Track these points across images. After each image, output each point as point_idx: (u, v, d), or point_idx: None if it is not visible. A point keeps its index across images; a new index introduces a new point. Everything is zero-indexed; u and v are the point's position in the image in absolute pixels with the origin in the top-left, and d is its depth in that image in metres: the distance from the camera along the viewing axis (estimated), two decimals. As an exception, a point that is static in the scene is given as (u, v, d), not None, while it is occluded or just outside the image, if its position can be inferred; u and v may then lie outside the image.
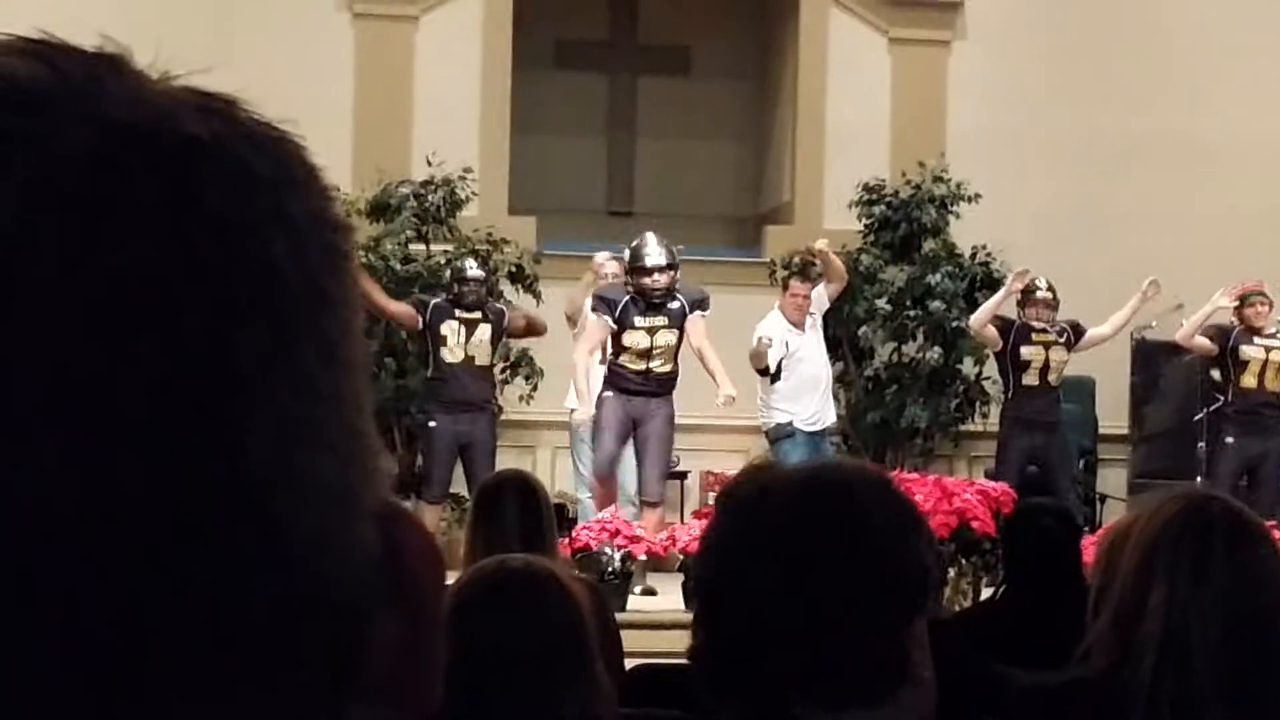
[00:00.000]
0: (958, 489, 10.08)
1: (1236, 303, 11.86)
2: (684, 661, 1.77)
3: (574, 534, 9.68)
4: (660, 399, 10.73)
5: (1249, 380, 11.81)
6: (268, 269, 0.55)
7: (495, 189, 13.90)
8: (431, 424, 11.28)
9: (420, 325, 11.32)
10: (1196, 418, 12.14)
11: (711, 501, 11.60)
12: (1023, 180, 13.96)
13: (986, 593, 8.34)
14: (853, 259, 13.31)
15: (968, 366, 13.40)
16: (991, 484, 10.65)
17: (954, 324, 13.11)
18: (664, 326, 10.66)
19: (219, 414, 0.53)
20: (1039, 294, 11.94)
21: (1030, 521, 5.17)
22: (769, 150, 15.26)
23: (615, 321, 10.62)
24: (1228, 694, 2.38)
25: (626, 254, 10.82)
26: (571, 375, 11.04)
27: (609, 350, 10.81)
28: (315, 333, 0.56)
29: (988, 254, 13.43)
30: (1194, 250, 13.38)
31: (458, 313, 11.27)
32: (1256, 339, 11.83)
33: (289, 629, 0.55)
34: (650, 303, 10.64)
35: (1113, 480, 13.78)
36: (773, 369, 11.58)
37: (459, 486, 11.36)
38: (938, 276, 13.25)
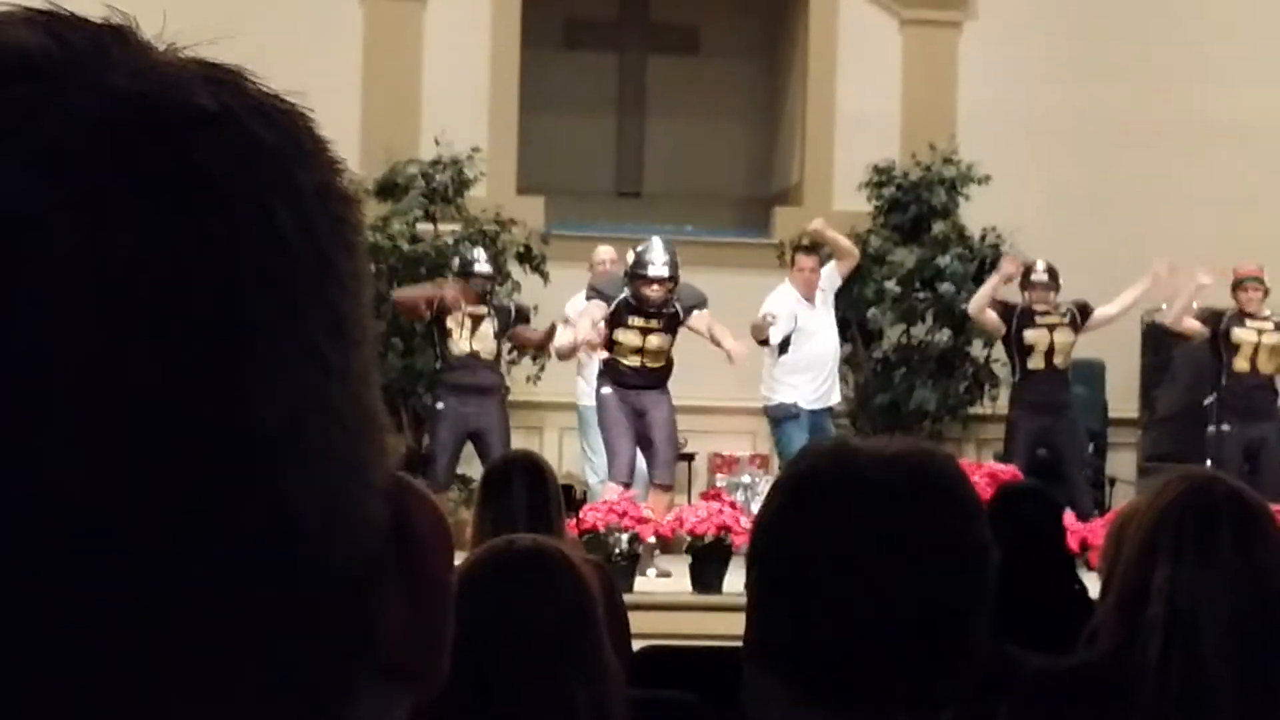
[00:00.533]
0: (967, 472, 10.07)
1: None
2: (692, 644, 1.74)
3: (581, 515, 9.69)
4: (659, 390, 10.77)
5: (1241, 364, 11.80)
6: (276, 241, 0.54)
7: (503, 169, 13.89)
8: (440, 405, 11.27)
9: (429, 316, 11.30)
10: (1207, 401, 12.12)
11: (718, 483, 11.64)
12: (1033, 162, 13.94)
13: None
14: (862, 241, 13.30)
15: (977, 349, 13.39)
16: (1001, 466, 10.66)
17: (963, 306, 13.09)
18: (657, 330, 10.69)
19: (230, 386, 0.53)
20: (1036, 277, 11.92)
21: (1011, 505, 5.17)
22: (778, 131, 15.24)
23: (610, 314, 10.63)
24: (1234, 673, 2.39)
25: (631, 256, 10.78)
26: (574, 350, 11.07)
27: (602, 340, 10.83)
28: (323, 306, 0.56)
29: (998, 236, 13.42)
30: (1205, 231, 13.36)
31: (464, 306, 11.25)
32: (1249, 321, 11.81)
33: (300, 603, 0.54)
34: (643, 309, 10.65)
35: (1123, 463, 13.77)
36: (775, 342, 11.52)
37: (468, 468, 11.36)
38: (947, 258, 13.24)
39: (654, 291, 10.59)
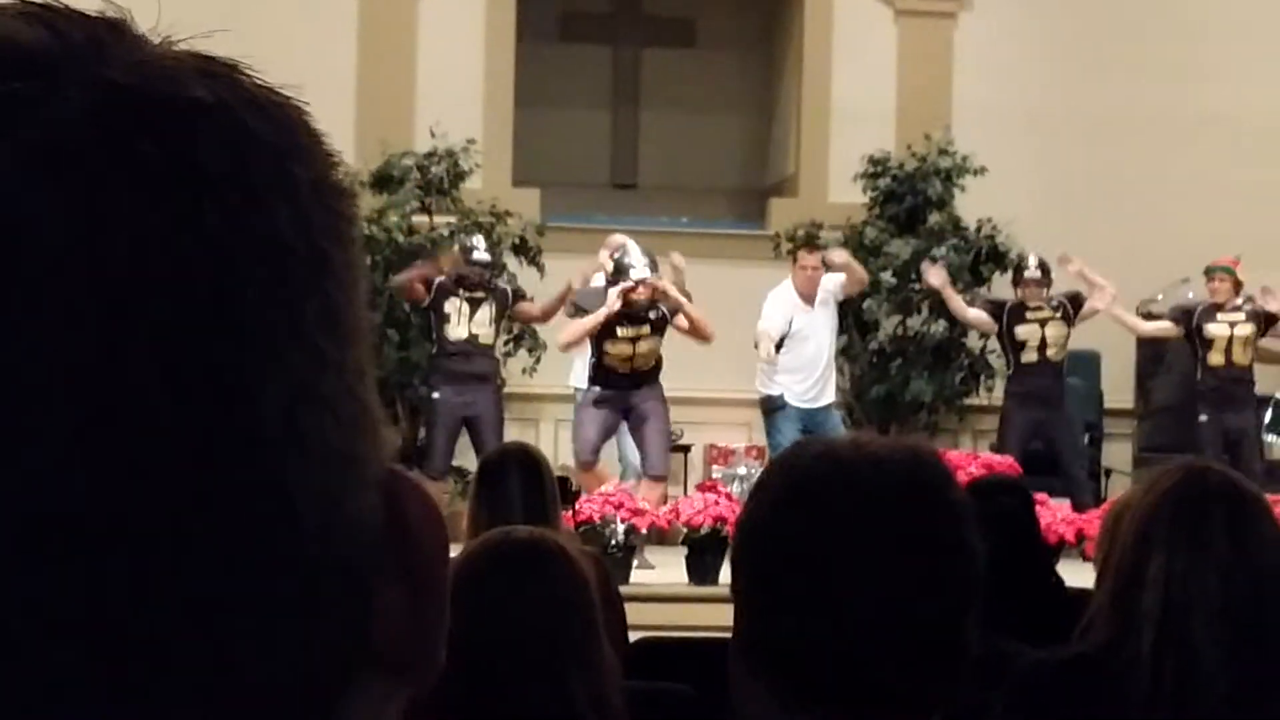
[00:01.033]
0: (962, 463, 10.08)
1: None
2: (688, 635, 1.74)
3: (578, 507, 9.69)
4: (649, 385, 10.80)
5: (1216, 357, 11.80)
6: (271, 234, 0.54)
7: (499, 161, 13.88)
8: (435, 395, 11.28)
9: (426, 301, 11.32)
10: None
11: (714, 474, 11.64)
12: (1028, 153, 13.94)
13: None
14: (858, 232, 13.30)
15: (972, 340, 13.39)
16: (997, 457, 10.67)
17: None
18: (647, 335, 10.72)
19: (229, 381, 0.53)
20: (1028, 273, 11.93)
21: (984, 500, 5.18)
22: (774, 123, 15.24)
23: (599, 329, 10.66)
24: (1229, 664, 2.39)
25: (609, 265, 10.81)
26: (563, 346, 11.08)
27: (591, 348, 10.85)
28: (319, 300, 0.56)
29: (993, 227, 13.42)
30: (1199, 222, 13.36)
31: (461, 291, 11.28)
32: (1219, 315, 11.80)
33: (299, 597, 0.55)
34: (632, 315, 10.65)
35: (1118, 454, 13.78)
36: (770, 350, 11.56)
37: (463, 460, 11.37)
38: (943, 250, 13.24)
39: (642, 292, 10.60)
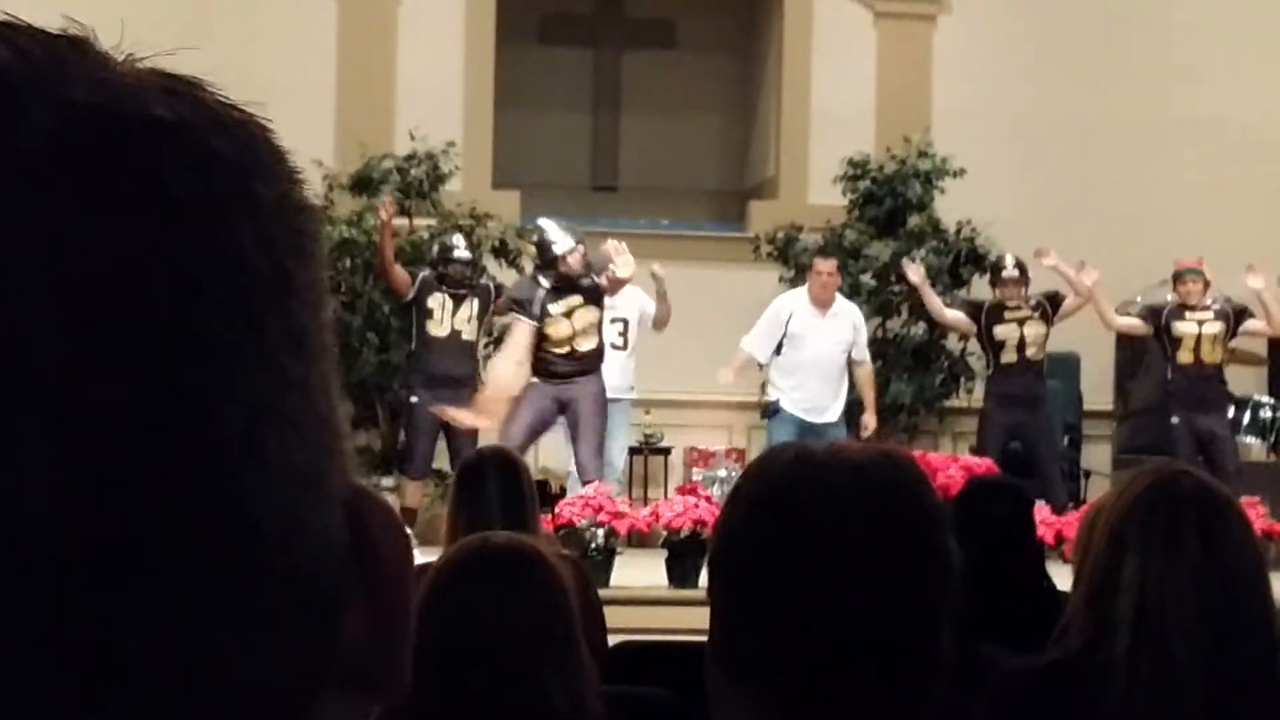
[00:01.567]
0: (941, 465, 10.09)
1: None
2: (667, 639, 1.74)
3: (557, 510, 9.68)
4: (588, 377, 10.68)
5: (1185, 356, 11.83)
6: (235, 253, 0.55)
7: (479, 163, 13.88)
8: (414, 400, 11.28)
9: (410, 295, 11.33)
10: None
11: (694, 477, 11.64)
12: (1007, 155, 13.97)
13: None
14: (838, 235, 13.32)
15: (952, 342, 13.41)
16: (976, 459, 10.68)
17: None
18: (581, 305, 10.62)
19: (192, 399, 0.53)
20: (1006, 273, 11.95)
21: (980, 499, 5.17)
22: (753, 125, 15.25)
23: (536, 319, 10.59)
24: (1204, 666, 2.39)
25: (532, 250, 10.80)
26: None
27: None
28: (282, 318, 0.56)
29: (972, 229, 13.44)
30: (1179, 225, 13.40)
31: (444, 287, 11.30)
32: (1188, 314, 11.84)
33: (262, 614, 0.55)
34: (562, 286, 10.59)
35: (1098, 456, 13.81)
36: (729, 376, 11.48)
37: (441, 462, 11.36)
38: (922, 252, 13.25)
39: (569, 265, 10.53)
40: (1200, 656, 2.40)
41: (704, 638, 1.68)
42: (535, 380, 10.67)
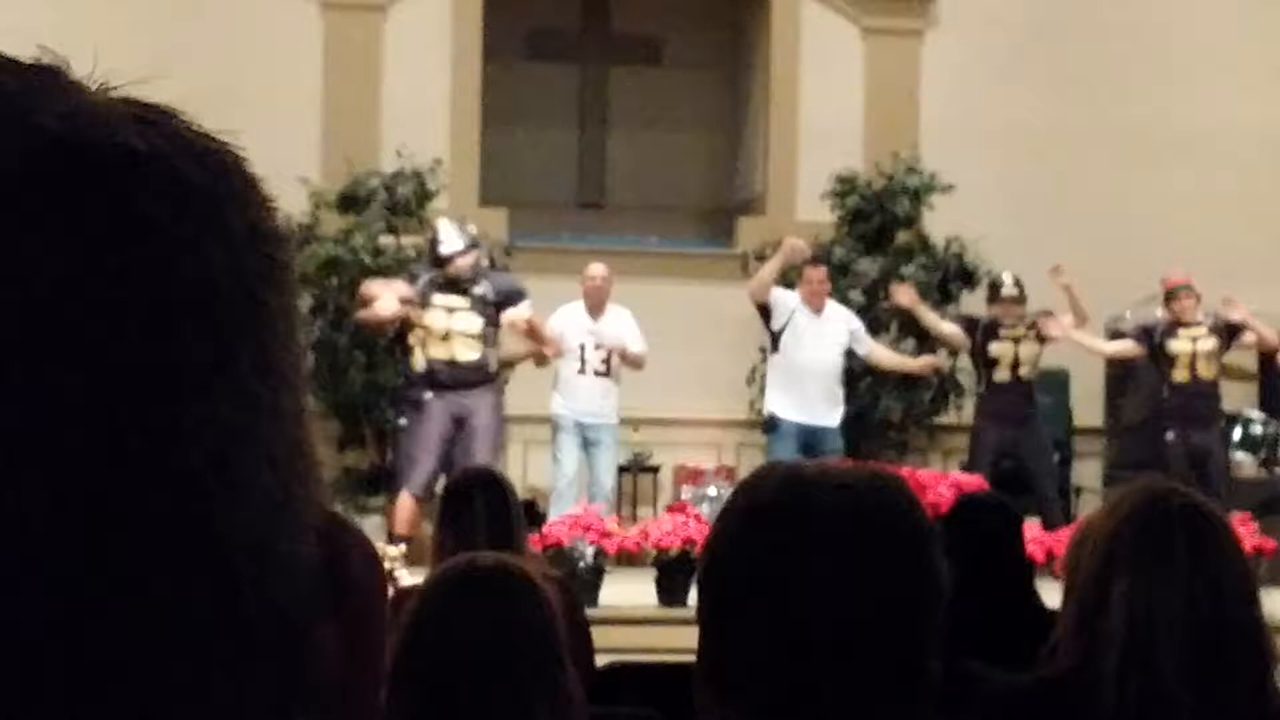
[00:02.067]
0: (931, 483, 10.08)
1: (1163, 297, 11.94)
2: (655, 660, 1.74)
3: (545, 530, 9.67)
4: (483, 387, 10.46)
5: (1180, 374, 11.85)
6: (206, 281, 0.55)
7: (466, 181, 13.88)
8: (402, 421, 11.22)
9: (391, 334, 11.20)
10: (1171, 411, 12.18)
11: (683, 496, 11.62)
12: (996, 171, 13.98)
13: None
14: (826, 251, 13.32)
15: (942, 359, 13.42)
16: (966, 476, 10.68)
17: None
18: (464, 309, 10.45)
19: (160, 423, 0.54)
20: (1005, 291, 11.96)
21: (970, 516, 5.18)
22: (741, 141, 15.26)
23: (418, 295, 10.41)
24: (1193, 685, 2.39)
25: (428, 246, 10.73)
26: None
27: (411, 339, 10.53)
28: (254, 344, 0.56)
29: (961, 245, 13.46)
30: (1167, 240, 13.42)
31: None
32: (1181, 331, 11.85)
33: (235, 639, 0.55)
34: (449, 283, 10.46)
35: (1088, 472, 13.81)
36: (774, 324, 11.44)
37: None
38: (911, 268, 13.26)
39: (459, 267, 10.42)
40: (1189, 675, 2.40)
41: (693, 658, 1.68)
42: (428, 396, 10.44)
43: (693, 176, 15.43)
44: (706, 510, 10.19)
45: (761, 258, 12.89)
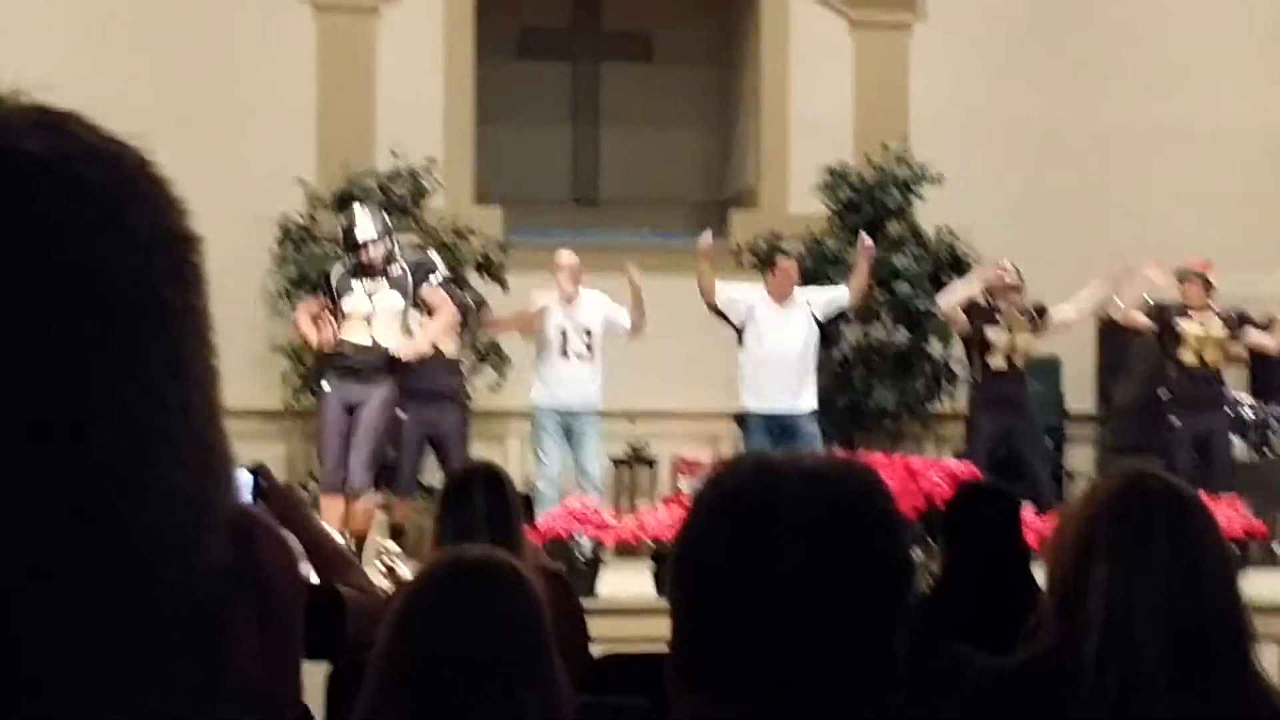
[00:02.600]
0: (923, 470, 10.07)
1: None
2: (651, 650, 1.74)
3: (541, 522, 9.67)
4: (380, 379, 10.28)
5: (1188, 356, 11.82)
6: (109, 282, 0.55)
7: (460, 179, 13.88)
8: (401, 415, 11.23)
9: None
10: (1166, 396, 12.16)
11: (680, 487, 11.63)
12: (986, 161, 13.99)
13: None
14: (819, 243, 13.32)
15: (935, 348, 13.42)
16: (957, 463, 10.65)
17: (920, 306, 13.13)
18: (384, 289, 10.33)
19: (65, 424, 0.54)
20: (1005, 278, 11.94)
21: (970, 504, 5.18)
22: (733, 135, 15.26)
23: (333, 295, 10.32)
24: (1172, 668, 2.40)
25: (340, 234, 10.65)
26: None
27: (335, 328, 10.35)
28: (163, 345, 0.56)
29: (952, 235, 13.45)
30: (1158, 232, 13.41)
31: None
32: (1193, 314, 11.85)
33: (146, 635, 0.55)
34: (368, 267, 10.33)
35: (1081, 458, 13.82)
36: (735, 322, 11.38)
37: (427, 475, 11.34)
38: (903, 259, 13.26)
39: (369, 255, 10.35)
40: (1169, 660, 2.40)
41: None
42: (328, 385, 10.30)
43: (685, 171, 15.43)
44: (703, 503, 10.14)
45: (754, 251, 12.89)
